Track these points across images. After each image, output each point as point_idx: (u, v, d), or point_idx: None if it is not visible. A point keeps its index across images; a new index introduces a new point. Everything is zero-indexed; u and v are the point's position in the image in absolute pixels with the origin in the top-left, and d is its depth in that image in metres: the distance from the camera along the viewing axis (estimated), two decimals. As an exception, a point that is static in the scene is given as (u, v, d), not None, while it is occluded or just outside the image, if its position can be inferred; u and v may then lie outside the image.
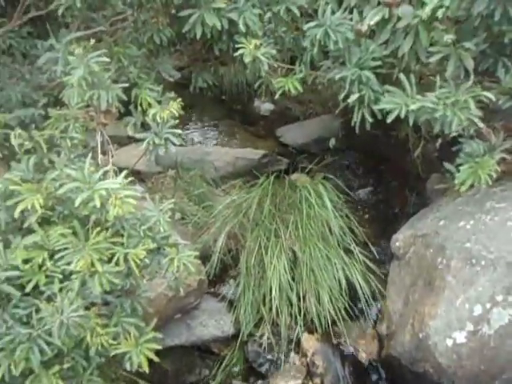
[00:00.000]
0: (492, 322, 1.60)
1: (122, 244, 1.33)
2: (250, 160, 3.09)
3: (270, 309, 2.11)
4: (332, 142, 3.42)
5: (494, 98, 1.50)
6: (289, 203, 2.31)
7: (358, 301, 2.16)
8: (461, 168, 1.66)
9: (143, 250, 1.33)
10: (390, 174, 3.07)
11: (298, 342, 2.10)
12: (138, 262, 1.32)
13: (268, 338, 2.09)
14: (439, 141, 2.36)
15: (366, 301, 2.15)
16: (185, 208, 2.47)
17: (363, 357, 2.05)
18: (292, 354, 2.10)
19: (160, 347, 1.25)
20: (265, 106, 4.05)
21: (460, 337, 1.65)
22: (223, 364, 2.13)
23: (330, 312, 2.06)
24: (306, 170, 2.79)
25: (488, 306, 1.62)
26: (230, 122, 3.85)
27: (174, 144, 1.69)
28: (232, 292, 2.26)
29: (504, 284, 1.61)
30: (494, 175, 1.59)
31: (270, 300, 2.10)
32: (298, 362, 2.07)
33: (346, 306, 2.12)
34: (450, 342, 1.67)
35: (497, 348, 1.62)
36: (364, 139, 3.28)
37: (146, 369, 1.22)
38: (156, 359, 1.23)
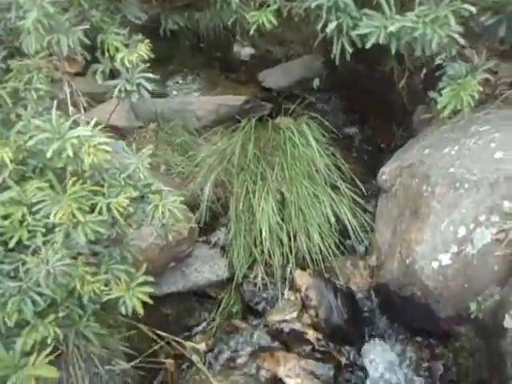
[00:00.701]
0: (475, 241, 1.64)
1: (104, 194, 1.31)
2: (232, 106, 3.01)
3: (262, 250, 2.15)
4: (316, 83, 3.33)
5: (474, 10, 1.43)
6: (273, 145, 2.28)
7: (348, 236, 2.20)
8: (443, 91, 1.63)
9: (125, 198, 1.32)
10: (376, 110, 3.02)
11: (292, 280, 2.17)
12: (122, 210, 1.31)
13: (262, 279, 2.15)
14: (424, 71, 2.30)
15: (356, 235, 2.19)
16: (169, 159, 2.43)
17: (354, 288, 2.13)
18: (286, 291, 2.17)
19: (152, 290, 1.27)
20: (245, 51, 3.88)
21: (445, 259, 1.71)
22: (221, 306, 2.21)
23: (320, 248, 2.10)
24: (290, 112, 2.72)
25: (471, 226, 1.65)
26: (210, 70, 3.71)
27: (148, 90, 1.62)
28: (224, 238, 2.29)
29: (487, 204, 1.63)
30: (477, 96, 1.56)
31: (262, 242, 2.14)
32: (292, 297, 2.14)
33: (336, 241, 2.16)
34: (435, 265, 1.72)
35: (479, 266, 1.68)
36: (348, 76, 3.20)
37: (140, 311, 1.25)
38: (150, 301, 1.26)
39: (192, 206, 2.28)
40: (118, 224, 1.35)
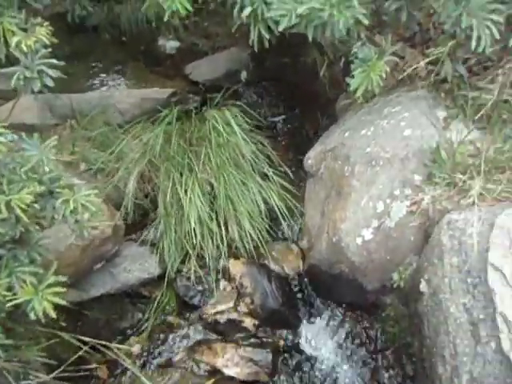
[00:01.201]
0: (392, 215, 1.74)
1: (4, 192, 1.19)
2: (158, 100, 2.89)
3: (194, 243, 2.10)
4: (243, 75, 3.32)
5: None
6: (199, 136, 2.23)
7: (279, 222, 2.23)
8: (355, 73, 1.70)
9: (28, 194, 1.20)
10: (301, 100, 3.09)
11: (226, 270, 2.15)
12: (25, 207, 1.20)
13: (196, 272, 2.10)
14: (343, 60, 2.40)
15: (287, 220, 2.23)
16: (89, 156, 2.28)
17: (288, 272, 2.16)
18: (221, 282, 2.14)
19: (64, 289, 1.17)
20: (170, 44, 3.76)
21: (367, 234, 1.79)
22: (155, 305, 2.13)
23: (252, 236, 2.10)
24: (217, 103, 2.69)
25: (388, 201, 1.75)
26: (134, 64, 3.54)
27: (51, 77, 1.50)
28: (153, 234, 2.20)
29: (399, 178, 1.73)
30: (384, 75, 1.65)
31: (193, 235, 2.09)
32: (228, 288, 2.12)
33: (268, 228, 2.18)
34: (359, 241, 1.80)
35: (398, 238, 1.78)
36: (274, 68, 3.24)
37: (52, 315, 1.15)
38: (63, 302, 1.16)
39: (117, 202, 2.16)
40: (22, 223, 1.23)
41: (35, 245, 1.29)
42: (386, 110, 2.01)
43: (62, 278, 1.20)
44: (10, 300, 1.12)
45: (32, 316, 1.15)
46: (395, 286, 1.84)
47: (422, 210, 1.70)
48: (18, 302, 1.17)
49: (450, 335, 1.28)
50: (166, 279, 2.10)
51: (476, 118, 1.73)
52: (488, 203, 1.47)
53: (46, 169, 1.27)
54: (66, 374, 1.54)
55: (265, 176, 2.20)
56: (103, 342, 1.65)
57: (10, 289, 1.13)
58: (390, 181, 1.75)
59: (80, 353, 1.60)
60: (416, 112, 1.85)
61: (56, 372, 1.47)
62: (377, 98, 2.21)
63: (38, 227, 1.27)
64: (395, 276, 1.84)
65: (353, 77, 1.79)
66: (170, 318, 2.14)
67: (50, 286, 1.17)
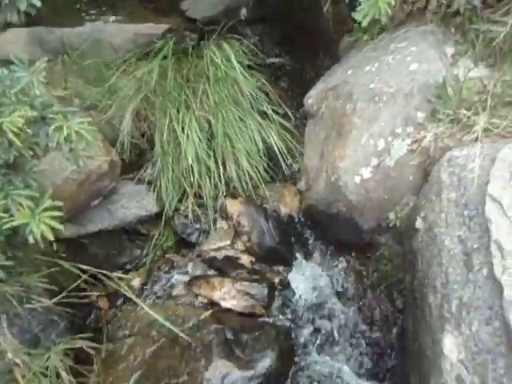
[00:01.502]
0: (392, 153, 1.72)
1: (-6, 115, 1.15)
2: (153, 35, 2.75)
3: (192, 182, 2.09)
4: (243, 13, 3.15)
5: None
6: (197, 72, 2.15)
7: (277, 162, 2.20)
8: (362, 1, 1.60)
9: (20, 117, 1.17)
10: (303, 40, 2.95)
11: (223, 209, 2.15)
12: (17, 130, 1.16)
13: (193, 210, 2.11)
14: (348, -5, 2.26)
15: (285, 161, 2.20)
16: (82, 92, 2.21)
17: (285, 212, 2.18)
18: (219, 220, 2.16)
19: (62, 214, 1.17)
20: (165, -21, 3.53)
21: (366, 172, 1.77)
22: (153, 242, 2.17)
23: (250, 175, 2.09)
24: (215, 41, 2.57)
25: (389, 139, 1.72)
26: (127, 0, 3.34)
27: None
28: (151, 173, 2.18)
29: (402, 115, 1.69)
30: (393, 2, 1.55)
31: (190, 173, 2.08)
32: (225, 226, 2.14)
33: (266, 167, 2.16)
34: (357, 179, 1.79)
35: (397, 178, 1.77)
36: (274, 5, 3.06)
37: (50, 237, 1.15)
38: (59, 227, 1.16)
39: (113, 139, 2.12)
40: (15, 147, 1.21)
41: (30, 171, 1.27)
42: (393, 46, 1.92)
43: (59, 203, 1.19)
44: (8, 222, 1.11)
45: (31, 239, 1.16)
46: (391, 225, 1.86)
47: (423, 149, 1.67)
48: (17, 226, 1.17)
49: (442, 266, 1.30)
50: (163, 217, 2.11)
51: (486, 53, 1.66)
52: (491, 139, 1.44)
53: (37, 92, 1.22)
54: (68, 300, 1.58)
55: (264, 114, 2.15)
56: (103, 271, 1.68)
57: (6, 211, 1.13)
58: (393, 118, 1.71)
59: (80, 281, 1.63)
60: (424, 46, 1.77)
61: (58, 298, 1.51)
62: (383, 35, 2.11)
63: (31, 153, 1.24)
64: (391, 215, 1.85)
65: (359, 7, 1.69)
66: (168, 255, 2.18)
67: (46, 209, 1.16)
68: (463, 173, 1.39)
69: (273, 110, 2.14)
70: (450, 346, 1.10)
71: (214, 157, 2.06)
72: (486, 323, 1.05)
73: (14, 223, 1.12)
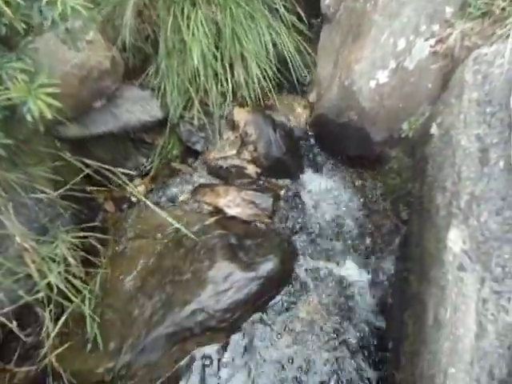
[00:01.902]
0: (413, 54, 1.59)
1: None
2: None
3: (198, 88, 2.00)
4: None
5: None
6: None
7: (288, 70, 2.08)
8: None
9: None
10: None
11: (230, 118, 2.08)
12: (7, -2, 1.06)
13: (199, 118, 2.04)
14: None
15: (296, 70, 2.08)
16: (81, -16, 2.03)
17: (293, 123, 2.10)
18: (225, 130, 2.10)
19: (58, 90, 1.11)
20: None
21: (382, 77, 1.66)
22: (158, 151, 2.13)
23: (260, 81, 1.99)
24: None
25: (411, 37, 1.59)
26: None
27: None
28: (155, 78, 2.08)
29: (428, 11, 1.55)
30: None
31: (196, 78, 1.97)
32: (231, 136, 2.09)
33: (276, 76, 2.04)
34: (373, 84, 1.69)
35: (415, 84, 1.66)
36: None
37: (48, 115, 1.11)
38: (56, 103, 1.11)
39: (113, 39, 1.99)
40: (7, 17, 1.12)
41: (24, 48, 1.19)
42: None
43: (53, 80, 1.13)
44: (3, 95, 1.06)
45: (29, 118, 1.11)
46: (403, 136, 1.79)
47: (447, 49, 1.54)
48: (14, 105, 1.13)
49: (455, 166, 1.25)
50: (168, 124, 2.05)
51: None
52: (524, 34, 1.31)
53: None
54: (74, 194, 1.58)
55: (275, 12, 1.98)
56: (107, 166, 1.66)
57: (1, 83, 1.07)
58: (417, 13, 1.56)
59: (83, 174, 1.62)
60: None
61: (62, 190, 1.51)
62: None
63: (24, 26, 1.16)
64: (405, 125, 1.78)
65: None
66: (174, 164, 2.16)
67: (42, 86, 1.10)
68: (490, 69, 1.29)
69: (285, 8, 1.97)
70: (455, 238, 1.09)
71: (222, 60, 1.94)
72: (496, 213, 1.03)
73: (10, 96, 1.07)
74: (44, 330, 1.46)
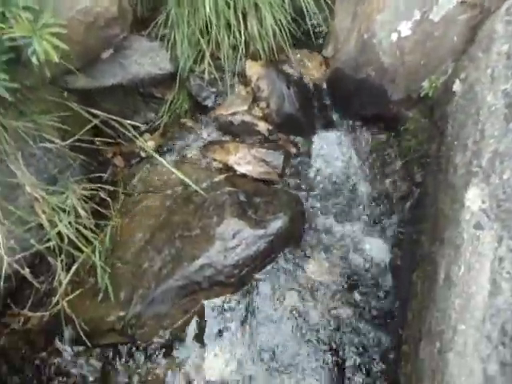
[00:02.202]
0: (440, 3, 1.49)
1: None
2: None
3: (209, 39, 1.91)
4: None
5: None
6: None
7: (304, 22, 1.98)
8: None
9: None
10: None
11: (242, 73, 2.01)
12: None
13: (210, 72, 1.97)
14: None
15: (313, 22, 1.97)
16: None
17: (308, 79, 2.02)
18: (236, 84, 2.03)
19: (64, 31, 1.06)
20: None
21: (405, 29, 1.57)
22: (168, 106, 2.08)
23: (274, 36, 1.89)
24: None
25: (439, -15, 1.47)
26: None
27: None
28: (165, 29, 1.99)
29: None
30: None
31: (208, 30, 1.89)
32: (243, 91, 2.02)
33: (291, 28, 1.94)
34: (394, 37, 1.60)
35: (439, 38, 1.57)
36: None
37: (54, 58, 1.06)
38: (63, 45, 1.06)
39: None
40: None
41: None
42: None
43: (60, 21, 1.07)
44: (7, 33, 1.02)
45: (34, 60, 1.07)
46: (422, 95, 1.72)
47: (478, -1, 1.44)
48: (18, 46, 1.08)
49: (478, 124, 1.20)
50: (178, 78, 1.99)
51: None
52: None
53: None
54: (83, 146, 1.56)
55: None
56: (116, 117, 1.63)
57: (4, 21, 1.02)
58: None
59: (91, 125, 1.59)
60: None
61: (71, 140, 1.48)
62: None
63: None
64: (425, 83, 1.70)
65: None
66: (183, 120, 2.11)
67: (47, 25, 1.05)
68: (523, 19, 1.19)
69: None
70: (473, 197, 1.05)
71: (235, 9, 1.84)
72: (519, 171, 0.98)
73: (14, 35, 1.02)
74: (56, 278, 1.49)
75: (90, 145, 1.62)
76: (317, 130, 2.03)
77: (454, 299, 0.97)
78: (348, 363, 1.63)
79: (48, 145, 1.43)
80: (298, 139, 2.02)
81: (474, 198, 1.05)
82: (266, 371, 1.63)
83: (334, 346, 1.66)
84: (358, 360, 1.60)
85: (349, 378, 1.59)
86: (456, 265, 1.02)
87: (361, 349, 1.63)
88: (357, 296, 1.74)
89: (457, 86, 1.43)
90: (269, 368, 1.63)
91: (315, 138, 2.03)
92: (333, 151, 2.02)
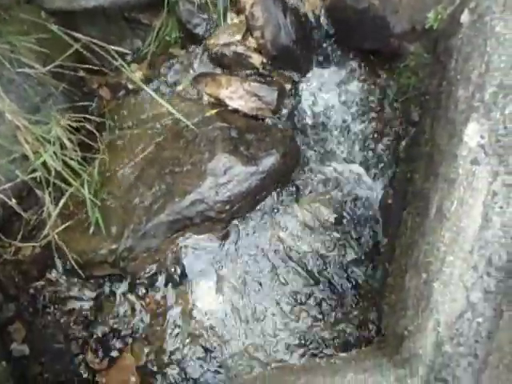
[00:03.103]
0: None
1: None
2: None
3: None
4: None
5: None
6: None
7: None
8: None
9: None
10: None
11: (236, 1, 1.86)
12: None
13: (201, -4, 1.82)
14: None
15: None
16: None
17: (307, 8, 1.89)
18: (229, 13, 1.89)
19: None
20: None
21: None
22: (155, 33, 1.94)
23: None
24: None
25: None
26: None
27: None
28: None
29: None
30: None
31: None
32: (236, 19, 1.89)
33: None
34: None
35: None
36: None
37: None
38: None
39: None
40: None
41: None
42: None
43: None
44: None
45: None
46: (427, 27, 1.62)
47: None
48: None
49: (484, 56, 1.14)
50: (166, 2, 1.83)
51: None
52: None
53: None
54: (65, 73, 1.46)
55: None
56: (99, 42, 1.52)
57: None
58: None
59: (72, 50, 1.48)
60: None
61: (51, 65, 1.38)
62: None
63: None
64: (431, 15, 1.60)
65: None
66: (172, 49, 1.99)
67: None
68: None
69: None
70: (472, 133, 1.03)
71: None
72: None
73: None
74: (45, 210, 1.47)
75: (73, 72, 1.51)
76: (314, 64, 1.94)
77: (444, 233, 0.98)
78: (334, 297, 1.70)
79: (27, 70, 1.33)
80: (294, 74, 1.93)
81: (472, 134, 1.02)
82: (252, 303, 1.69)
83: (321, 280, 1.72)
84: (347, 293, 1.67)
85: (335, 310, 1.67)
86: (449, 200, 1.02)
87: (347, 282, 1.69)
88: (346, 234, 1.78)
89: (465, 17, 1.35)
90: (256, 300, 1.70)
91: (312, 74, 1.94)
92: (329, 88, 1.95)
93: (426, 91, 1.65)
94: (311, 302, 1.68)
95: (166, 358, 1.59)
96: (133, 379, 1.50)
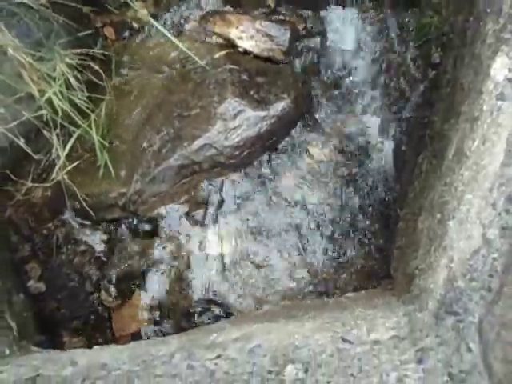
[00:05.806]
0: None
1: None
2: None
3: None
4: None
5: None
6: None
7: None
8: None
9: None
10: None
11: None
12: None
13: None
14: None
15: None
16: None
17: None
18: None
19: None
20: None
21: None
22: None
23: None
24: None
25: None
26: None
27: None
28: None
29: None
30: None
31: None
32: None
33: None
34: None
35: None
36: None
37: None
38: None
39: None
40: None
41: None
42: None
43: None
44: None
45: None
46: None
47: None
48: None
49: (519, -17, 1.04)
50: None
51: None
52: None
53: None
54: (66, 8, 1.38)
55: None
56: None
57: None
58: None
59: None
60: None
61: (53, -5, 1.31)
62: None
63: None
64: None
65: None
66: (180, -16, 1.87)
67: None
68: None
69: None
70: (501, 66, 0.97)
71: None
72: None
73: None
74: (53, 151, 1.45)
75: (78, 5, 1.43)
76: (329, 3, 1.82)
77: (463, 171, 0.95)
78: (345, 244, 1.70)
79: (26, 0, 1.26)
80: (308, 14, 1.82)
81: (500, 68, 0.96)
82: (262, 247, 1.71)
83: (330, 227, 1.72)
84: (357, 237, 1.67)
85: (345, 256, 1.68)
86: (470, 138, 0.98)
87: (359, 227, 1.69)
88: (358, 180, 1.75)
89: None
90: (266, 245, 1.71)
91: (327, 14, 1.83)
92: (345, 30, 1.84)
93: (449, 30, 1.55)
94: (319, 246, 1.69)
95: (173, 299, 1.63)
96: (144, 316, 1.56)
